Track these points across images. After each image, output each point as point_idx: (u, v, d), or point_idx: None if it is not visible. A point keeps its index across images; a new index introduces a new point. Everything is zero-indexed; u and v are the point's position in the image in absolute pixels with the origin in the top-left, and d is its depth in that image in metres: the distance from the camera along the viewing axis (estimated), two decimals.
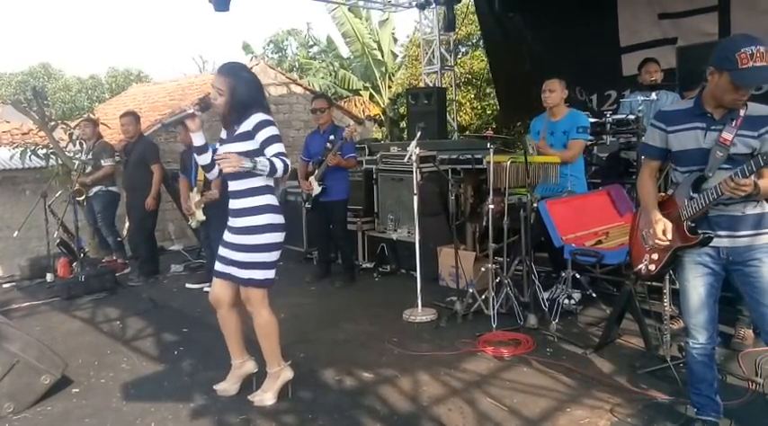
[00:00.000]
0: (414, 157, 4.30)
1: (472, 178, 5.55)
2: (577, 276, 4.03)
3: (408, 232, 5.56)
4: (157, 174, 5.82)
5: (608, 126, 4.62)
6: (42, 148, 7.26)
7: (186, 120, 2.87)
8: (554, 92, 4.31)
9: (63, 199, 6.18)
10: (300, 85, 13.05)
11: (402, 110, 14.46)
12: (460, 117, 12.55)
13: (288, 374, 3.07)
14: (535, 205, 4.03)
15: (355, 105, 15.23)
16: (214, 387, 3.12)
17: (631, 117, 4.50)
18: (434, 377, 3.25)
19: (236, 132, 2.86)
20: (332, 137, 5.14)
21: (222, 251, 2.96)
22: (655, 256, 2.52)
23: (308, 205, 5.39)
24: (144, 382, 3.39)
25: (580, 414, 2.76)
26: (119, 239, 6.31)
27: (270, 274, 2.92)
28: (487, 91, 13.55)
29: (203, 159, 2.96)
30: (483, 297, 4.14)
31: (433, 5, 9.52)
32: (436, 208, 5.48)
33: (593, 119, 4.56)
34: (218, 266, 2.97)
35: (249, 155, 2.75)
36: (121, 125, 5.93)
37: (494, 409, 2.86)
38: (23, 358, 3.10)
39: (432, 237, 5.12)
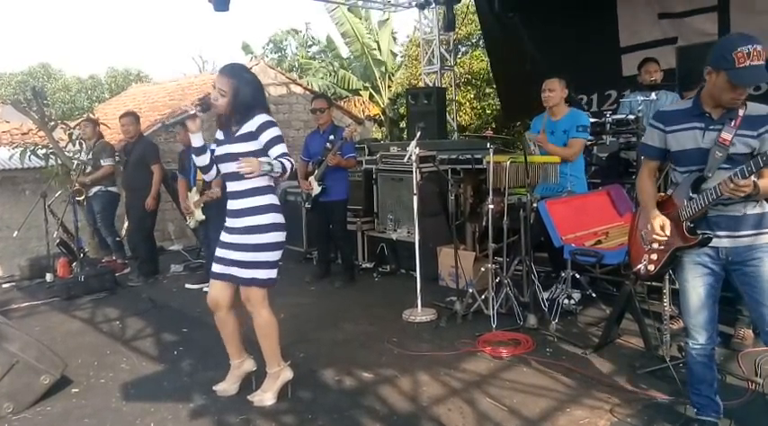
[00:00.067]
0: (413, 157, 4.30)
1: (472, 178, 5.56)
2: (577, 276, 4.03)
3: (408, 232, 5.56)
4: (157, 174, 5.83)
5: (608, 126, 4.62)
6: (42, 148, 7.26)
7: (187, 121, 2.87)
8: (554, 91, 4.30)
9: (63, 200, 6.18)
10: (300, 85, 13.05)
11: (402, 110, 14.46)
12: (460, 117, 12.55)
13: (287, 374, 3.07)
14: (535, 205, 4.03)
15: (355, 105, 15.23)
16: (214, 388, 3.12)
17: (631, 117, 4.51)
18: (434, 377, 3.25)
19: (238, 133, 2.86)
20: (332, 137, 5.14)
21: (221, 252, 2.95)
22: (654, 256, 2.52)
23: (307, 205, 5.39)
24: (143, 382, 3.39)
25: (580, 414, 2.76)
26: (118, 239, 6.31)
27: (273, 274, 2.92)
28: (487, 91, 13.55)
29: (202, 160, 2.95)
30: (483, 297, 4.14)
31: (433, 5, 9.52)
32: (436, 208, 5.48)
33: (592, 119, 4.55)
34: (217, 268, 2.96)
35: (252, 155, 2.79)
36: (121, 125, 5.93)
37: (493, 409, 2.86)
38: (23, 358, 3.10)
39: (431, 237, 5.12)
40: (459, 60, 13.13)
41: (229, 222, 2.94)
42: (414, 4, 9.77)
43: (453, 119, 10.19)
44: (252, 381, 3.14)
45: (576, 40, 7.04)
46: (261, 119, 2.83)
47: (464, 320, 4.10)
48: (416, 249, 4.39)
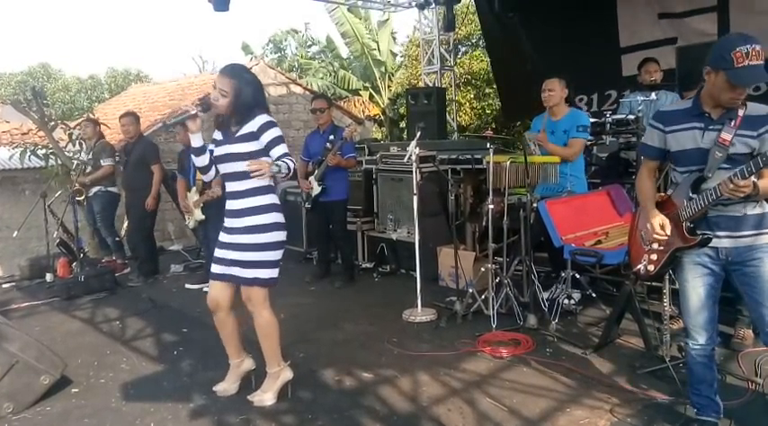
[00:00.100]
0: (413, 157, 4.30)
1: (472, 178, 5.56)
2: (577, 276, 4.03)
3: (408, 232, 5.56)
4: (158, 174, 5.83)
5: (608, 126, 4.62)
6: (42, 148, 7.26)
7: (187, 121, 2.86)
8: (554, 91, 4.30)
9: (62, 200, 6.18)
10: (300, 85, 13.06)
11: (402, 110, 14.46)
12: (460, 117, 12.55)
13: (287, 374, 3.07)
14: (535, 205, 4.02)
15: (355, 105, 15.22)
16: (214, 389, 3.12)
17: (631, 117, 4.50)
18: (434, 377, 3.25)
19: (238, 133, 2.86)
20: (332, 137, 5.14)
21: (221, 252, 2.95)
22: (654, 256, 2.52)
23: (307, 205, 5.39)
24: (143, 382, 3.39)
25: (580, 414, 2.76)
26: (117, 239, 6.31)
27: (274, 273, 2.93)
28: (487, 91, 13.55)
29: (201, 160, 2.95)
30: (483, 297, 4.14)
31: (433, 5, 9.52)
32: (436, 208, 5.48)
33: (592, 119, 4.55)
34: (217, 268, 2.96)
35: (253, 155, 2.80)
36: (122, 125, 5.93)
37: (493, 409, 2.86)
38: (23, 358, 3.10)
39: (431, 237, 5.12)
40: (458, 60, 13.13)
41: (229, 222, 2.94)
42: (414, 4, 9.77)
43: (453, 120, 10.20)
44: (251, 381, 3.14)
45: (576, 41, 7.04)
46: (262, 119, 2.84)
47: (464, 320, 4.10)
48: (416, 249, 4.39)
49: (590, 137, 4.48)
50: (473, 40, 14.64)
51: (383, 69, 16.02)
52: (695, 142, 2.34)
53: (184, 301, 5.06)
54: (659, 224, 2.42)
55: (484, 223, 4.42)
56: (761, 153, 2.20)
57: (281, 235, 2.92)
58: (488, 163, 4.07)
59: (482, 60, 13.56)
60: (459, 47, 14.19)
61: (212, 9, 6.96)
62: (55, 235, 6.14)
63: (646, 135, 2.62)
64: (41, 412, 3.06)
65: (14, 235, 6.70)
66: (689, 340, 2.49)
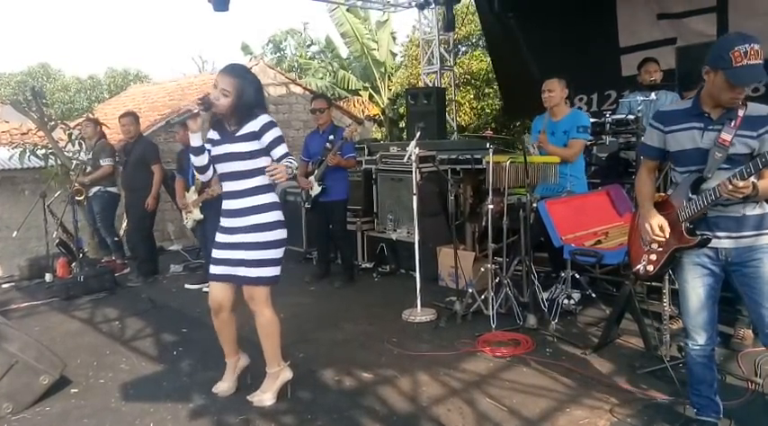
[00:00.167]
0: (413, 157, 4.30)
1: (472, 178, 5.56)
2: (577, 276, 4.03)
3: (408, 232, 5.56)
4: (158, 175, 5.82)
5: (607, 126, 4.62)
6: (41, 149, 7.26)
7: (188, 120, 2.85)
8: (553, 92, 4.30)
9: (62, 200, 6.18)
10: (300, 85, 13.06)
11: (401, 110, 14.47)
12: (460, 117, 12.55)
13: (287, 374, 3.07)
14: (534, 205, 4.02)
15: (354, 105, 15.22)
16: (214, 390, 3.12)
17: (630, 117, 4.50)
18: (434, 377, 3.25)
19: (239, 133, 2.85)
20: (331, 137, 5.14)
21: (221, 253, 2.94)
22: (653, 257, 2.52)
23: (307, 205, 5.39)
24: (143, 382, 3.39)
25: (580, 414, 2.76)
26: (116, 239, 6.30)
27: (277, 271, 2.94)
28: (486, 91, 13.56)
29: (200, 160, 2.93)
30: (482, 297, 4.13)
31: (433, 5, 9.53)
32: (436, 208, 5.48)
33: (592, 120, 4.55)
34: (218, 269, 2.95)
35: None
36: (122, 125, 5.92)
37: (493, 409, 2.86)
38: (22, 358, 3.10)
39: (431, 237, 5.12)
40: (458, 60, 13.13)
41: (228, 222, 2.93)
42: (413, 4, 9.78)
43: (453, 120, 10.20)
44: (249, 381, 3.14)
45: (576, 41, 7.05)
46: (264, 119, 2.85)
47: (464, 320, 4.09)
48: (416, 249, 4.39)
49: (590, 138, 4.48)
50: (473, 40, 14.65)
51: (383, 69, 16.02)
52: (694, 142, 2.34)
53: (184, 301, 5.06)
54: (658, 225, 2.42)
55: (483, 223, 4.42)
56: (761, 153, 2.20)
57: (283, 233, 2.94)
58: (488, 163, 4.07)
59: (482, 60, 13.57)
60: (459, 47, 14.20)
61: (212, 9, 6.96)
62: (54, 236, 6.14)
63: (645, 135, 2.62)
64: (41, 413, 3.05)
65: (14, 235, 6.70)
66: (688, 340, 2.49)
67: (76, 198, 5.89)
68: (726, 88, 2.21)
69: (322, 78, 17.30)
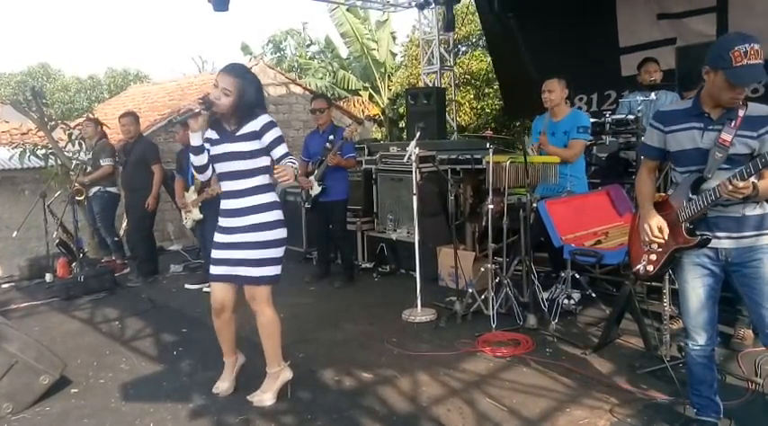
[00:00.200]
0: (413, 157, 4.30)
1: (471, 178, 5.56)
2: (577, 276, 4.03)
3: (408, 232, 5.56)
4: (158, 175, 5.82)
5: (607, 126, 4.62)
6: (41, 149, 7.26)
7: (189, 119, 2.84)
8: (553, 92, 4.30)
9: (62, 200, 6.18)
10: (300, 85, 13.05)
11: (401, 110, 14.47)
12: (460, 117, 12.56)
13: (287, 374, 3.07)
14: (534, 205, 4.02)
15: (354, 105, 15.22)
16: (214, 391, 3.12)
17: (630, 117, 4.50)
18: (434, 377, 3.25)
19: (239, 132, 2.85)
20: (331, 136, 5.14)
21: (221, 253, 2.93)
22: (653, 257, 2.52)
23: (307, 205, 5.39)
24: (143, 382, 3.39)
25: (579, 415, 2.76)
26: (116, 239, 6.31)
27: (278, 270, 2.95)
28: (486, 91, 13.57)
29: (200, 159, 2.93)
30: (482, 297, 4.13)
31: (433, 5, 9.53)
32: (436, 208, 5.48)
33: (592, 119, 4.55)
34: (219, 270, 2.95)
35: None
36: (122, 125, 5.92)
37: (493, 409, 2.86)
38: (22, 358, 3.10)
39: (431, 237, 5.12)
40: (458, 60, 13.14)
41: (227, 222, 2.93)
42: (413, 4, 9.78)
43: (453, 120, 10.20)
44: (247, 380, 3.14)
45: (576, 41, 7.05)
46: (265, 119, 2.85)
47: (464, 320, 4.09)
48: (416, 249, 4.39)
49: (590, 138, 4.47)
50: (473, 40, 14.65)
51: (383, 69, 16.02)
52: (694, 142, 2.34)
53: (184, 301, 5.06)
54: (657, 226, 2.42)
55: (483, 223, 4.42)
56: (761, 153, 2.20)
57: (283, 232, 2.95)
58: (488, 163, 4.07)
59: (482, 60, 13.57)
60: (459, 47, 14.20)
61: (212, 9, 6.97)
62: (54, 236, 6.14)
63: (646, 135, 2.62)
64: (41, 413, 3.05)
65: (14, 235, 6.70)
66: (689, 340, 2.49)
67: (77, 198, 5.89)
68: (726, 88, 2.21)
69: (322, 78, 17.30)
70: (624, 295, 3.39)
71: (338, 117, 12.01)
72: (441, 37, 9.67)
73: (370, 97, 16.40)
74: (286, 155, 2.84)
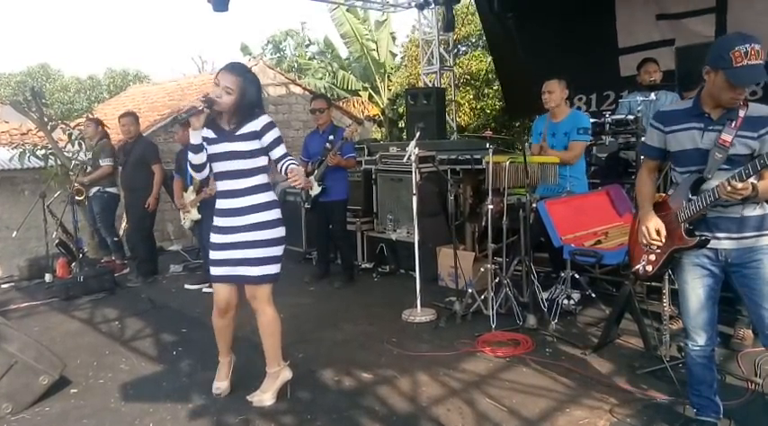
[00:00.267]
0: (413, 157, 4.30)
1: (471, 178, 5.56)
2: (576, 276, 4.03)
3: (407, 232, 5.56)
4: (158, 175, 5.82)
5: (607, 126, 4.62)
6: (41, 149, 7.25)
7: (191, 117, 2.82)
8: (553, 93, 4.30)
9: (62, 200, 6.18)
10: (299, 86, 13.05)
11: (401, 110, 14.47)
12: (459, 117, 12.55)
13: (287, 374, 3.07)
14: (534, 205, 4.02)
15: (354, 106, 15.23)
16: (215, 391, 3.12)
17: (630, 117, 4.50)
18: (433, 377, 3.25)
19: (239, 132, 2.85)
20: (331, 137, 5.14)
21: (222, 254, 2.93)
22: (652, 257, 2.52)
23: (307, 205, 5.39)
24: (142, 382, 3.39)
25: (579, 415, 2.76)
26: (116, 239, 6.30)
27: (278, 269, 2.96)
28: (486, 91, 13.56)
29: (199, 158, 2.91)
30: (482, 297, 4.13)
31: (432, 5, 9.53)
32: (435, 208, 5.48)
33: (592, 120, 4.55)
34: (221, 270, 2.94)
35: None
36: (122, 125, 5.92)
37: (493, 409, 2.86)
38: (22, 358, 3.10)
39: (431, 237, 5.12)
40: (458, 61, 13.13)
41: (224, 221, 2.92)
42: (413, 4, 9.78)
43: (453, 120, 10.20)
44: (246, 380, 3.14)
45: (575, 41, 7.05)
46: (265, 119, 2.87)
47: (463, 320, 4.09)
48: (416, 249, 4.39)
49: (590, 139, 4.47)
50: (472, 41, 14.65)
51: (382, 70, 16.03)
52: (694, 142, 2.33)
53: (184, 301, 5.06)
54: (655, 229, 2.42)
55: (483, 223, 4.42)
56: (760, 154, 2.19)
57: (282, 231, 2.96)
58: (488, 163, 4.07)
59: (481, 61, 13.57)
60: (459, 47, 14.20)
61: (212, 9, 6.97)
62: (54, 236, 6.13)
63: (646, 135, 2.62)
64: (40, 413, 3.05)
65: (14, 235, 6.70)
66: (688, 341, 2.49)
67: (77, 198, 5.89)
68: (726, 88, 2.21)
69: (321, 78, 17.31)
70: (624, 295, 3.39)
71: (338, 117, 12.01)
72: (440, 37, 9.67)
73: (370, 97, 16.41)
74: (285, 155, 2.85)
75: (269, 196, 2.93)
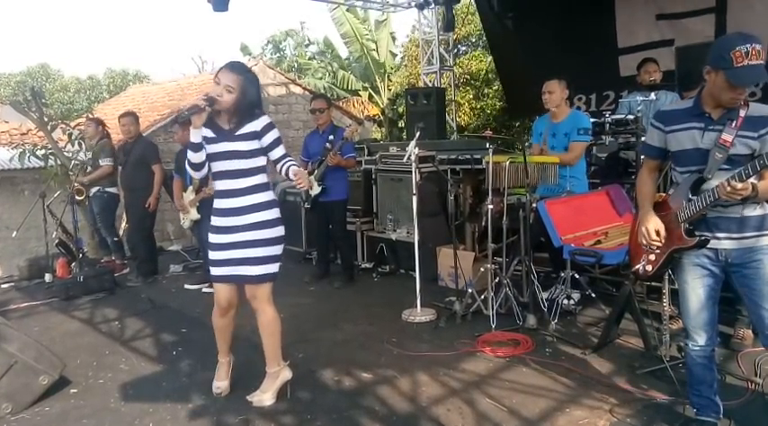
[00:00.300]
0: (413, 157, 4.30)
1: (471, 178, 5.56)
2: (576, 276, 4.03)
3: (407, 232, 5.56)
4: (159, 175, 5.82)
5: (607, 126, 4.62)
6: (41, 149, 7.25)
7: (192, 116, 2.81)
8: (553, 93, 4.30)
9: (62, 200, 6.18)
10: (299, 86, 13.05)
11: (401, 110, 14.46)
12: (459, 117, 12.55)
13: (287, 374, 3.07)
14: (534, 205, 4.02)
15: (354, 105, 15.23)
16: (216, 391, 3.12)
17: (630, 117, 4.50)
18: (433, 377, 3.25)
19: (239, 131, 2.85)
20: (331, 137, 5.14)
21: (222, 254, 2.92)
22: (651, 257, 2.52)
23: (307, 205, 5.39)
24: (142, 382, 3.39)
25: (579, 415, 2.76)
26: (116, 239, 6.30)
27: (278, 268, 2.96)
28: (486, 91, 13.56)
29: (198, 157, 2.90)
30: (482, 297, 4.13)
31: (432, 5, 9.53)
32: (435, 208, 5.48)
33: (592, 119, 4.55)
34: (222, 270, 2.94)
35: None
36: (122, 125, 5.92)
37: (493, 409, 2.86)
38: (21, 358, 3.10)
39: (431, 237, 5.12)
40: (458, 60, 13.13)
41: (223, 221, 2.92)
42: (413, 4, 9.78)
43: (452, 120, 10.20)
44: (246, 380, 3.14)
45: (574, 41, 7.05)
46: (265, 120, 2.88)
47: (463, 320, 4.09)
48: (416, 249, 4.39)
49: (591, 139, 4.47)
50: (472, 40, 14.65)
51: (382, 69, 16.03)
52: (694, 142, 2.33)
53: (183, 301, 5.06)
54: (654, 230, 2.42)
55: (483, 223, 4.42)
56: (760, 154, 2.19)
57: (282, 230, 2.97)
58: (488, 163, 4.07)
59: (481, 60, 13.57)
60: (459, 47, 14.20)
61: (212, 9, 6.97)
62: (54, 236, 6.13)
63: (647, 134, 2.62)
64: (40, 413, 3.05)
65: (14, 235, 6.70)
66: (688, 341, 2.49)
67: (77, 198, 5.89)
68: (726, 88, 2.20)
69: (321, 78, 17.31)
70: (624, 295, 3.39)
71: (338, 117, 12.01)
72: (440, 37, 9.67)
73: (370, 97, 16.41)
74: (285, 156, 2.87)
75: (268, 195, 2.93)
